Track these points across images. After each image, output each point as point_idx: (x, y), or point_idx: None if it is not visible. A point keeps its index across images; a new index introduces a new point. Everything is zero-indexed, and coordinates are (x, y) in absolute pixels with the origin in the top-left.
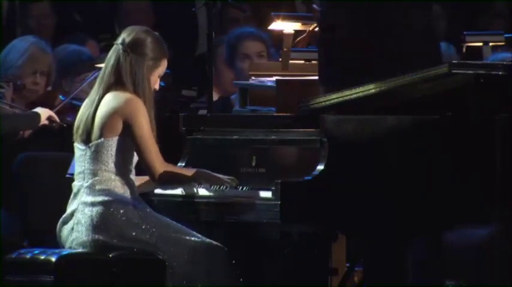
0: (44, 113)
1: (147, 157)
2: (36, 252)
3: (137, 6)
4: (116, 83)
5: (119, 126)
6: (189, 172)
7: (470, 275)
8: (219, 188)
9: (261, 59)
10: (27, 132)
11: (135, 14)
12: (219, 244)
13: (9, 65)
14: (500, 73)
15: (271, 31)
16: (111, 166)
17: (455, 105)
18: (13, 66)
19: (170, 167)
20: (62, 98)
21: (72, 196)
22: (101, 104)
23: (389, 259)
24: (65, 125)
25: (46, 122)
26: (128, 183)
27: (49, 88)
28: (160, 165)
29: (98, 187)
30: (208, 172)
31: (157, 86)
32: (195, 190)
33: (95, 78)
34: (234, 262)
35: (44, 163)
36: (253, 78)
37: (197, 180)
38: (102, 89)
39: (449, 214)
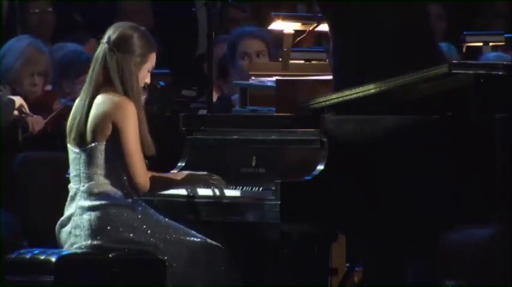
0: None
1: (130, 168)
2: (36, 252)
3: (137, 6)
4: (104, 83)
5: (109, 130)
6: (173, 179)
7: (470, 275)
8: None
9: (261, 59)
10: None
11: (135, 14)
12: (218, 244)
13: (5, 67)
14: (500, 73)
15: (271, 31)
16: (107, 169)
17: (455, 105)
18: (11, 69)
19: (152, 178)
20: (62, 101)
21: (69, 198)
22: (93, 106)
23: (389, 259)
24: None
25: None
26: (124, 186)
27: (49, 87)
28: (142, 177)
29: (95, 191)
30: (193, 174)
31: (148, 80)
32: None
33: None
34: (233, 262)
35: (44, 163)
36: (253, 78)
37: (181, 187)
38: (92, 90)
39: (449, 214)
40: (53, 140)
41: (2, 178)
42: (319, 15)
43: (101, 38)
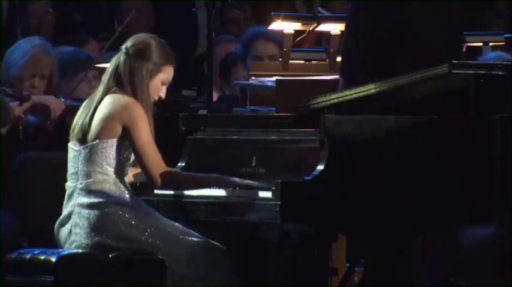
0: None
1: (146, 164)
2: (36, 252)
3: (137, 6)
4: (115, 85)
5: (117, 130)
6: (204, 179)
7: (471, 275)
8: (219, 188)
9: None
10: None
11: (135, 13)
12: (218, 244)
13: (11, 64)
14: (500, 73)
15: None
16: (105, 167)
17: (455, 105)
18: (14, 66)
19: (171, 174)
20: (63, 99)
21: (66, 197)
22: (100, 106)
23: (390, 258)
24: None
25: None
26: (123, 184)
27: None
28: (159, 172)
29: (92, 188)
30: (224, 178)
31: (162, 94)
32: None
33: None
34: (233, 262)
35: (44, 163)
36: (253, 78)
37: (203, 186)
38: (102, 91)
39: (449, 214)
40: (54, 139)
41: (2, 178)
42: (319, 15)
43: (101, 38)
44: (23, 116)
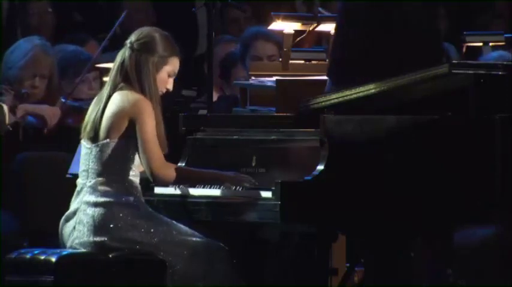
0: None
1: (148, 158)
2: (36, 252)
3: (138, 6)
4: (123, 81)
5: (125, 127)
6: (202, 174)
7: (471, 275)
8: (220, 187)
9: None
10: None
11: (136, 13)
12: (220, 243)
13: (11, 64)
14: (500, 73)
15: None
16: (115, 167)
17: (455, 105)
18: (14, 67)
19: (172, 168)
20: (63, 100)
21: (75, 193)
22: (109, 103)
23: (389, 258)
24: (10, 128)
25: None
26: (130, 185)
27: None
28: (160, 166)
29: (100, 188)
30: (222, 173)
31: (170, 87)
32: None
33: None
34: (234, 262)
35: (44, 163)
36: (253, 78)
37: (209, 183)
38: (111, 87)
39: (449, 214)
40: (53, 139)
41: (2, 178)
42: (319, 15)
43: (101, 38)
44: (21, 106)
